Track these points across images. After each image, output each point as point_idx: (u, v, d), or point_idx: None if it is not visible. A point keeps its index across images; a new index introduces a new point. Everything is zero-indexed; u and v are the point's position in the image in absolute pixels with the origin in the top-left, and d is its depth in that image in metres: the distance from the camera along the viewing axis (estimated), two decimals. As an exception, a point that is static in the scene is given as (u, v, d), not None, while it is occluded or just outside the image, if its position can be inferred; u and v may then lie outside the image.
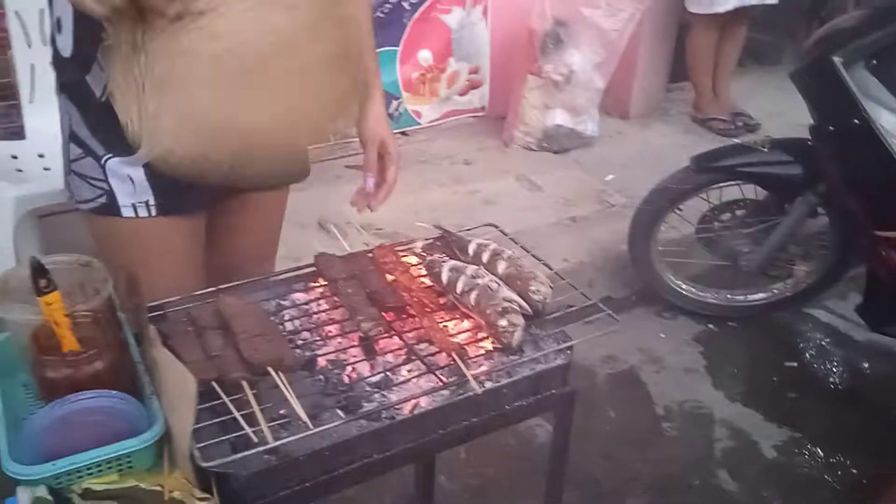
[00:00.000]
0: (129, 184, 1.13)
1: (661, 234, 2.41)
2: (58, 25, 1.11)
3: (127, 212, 1.14)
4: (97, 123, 1.12)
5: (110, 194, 1.14)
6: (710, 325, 2.51)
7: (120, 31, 0.94)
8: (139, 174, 1.12)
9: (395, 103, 3.35)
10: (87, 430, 0.83)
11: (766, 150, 2.07)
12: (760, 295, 2.49)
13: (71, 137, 1.16)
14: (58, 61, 1.14)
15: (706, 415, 2.16)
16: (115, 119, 1.03)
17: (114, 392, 0.86)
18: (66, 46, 1.10)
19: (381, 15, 3.13)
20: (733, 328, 2.51)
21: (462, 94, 3.56)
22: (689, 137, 3.58)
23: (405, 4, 3.16)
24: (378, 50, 3.28)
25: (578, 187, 3.14)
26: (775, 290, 2.48)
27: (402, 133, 3.44)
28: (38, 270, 0.87)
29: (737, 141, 3.41)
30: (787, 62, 4.44)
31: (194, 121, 0.97)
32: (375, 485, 1.82)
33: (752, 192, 2.29)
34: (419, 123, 3.48)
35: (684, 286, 2.49)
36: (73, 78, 1.12)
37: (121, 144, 1.07)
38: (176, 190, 1.12)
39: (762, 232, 2.26)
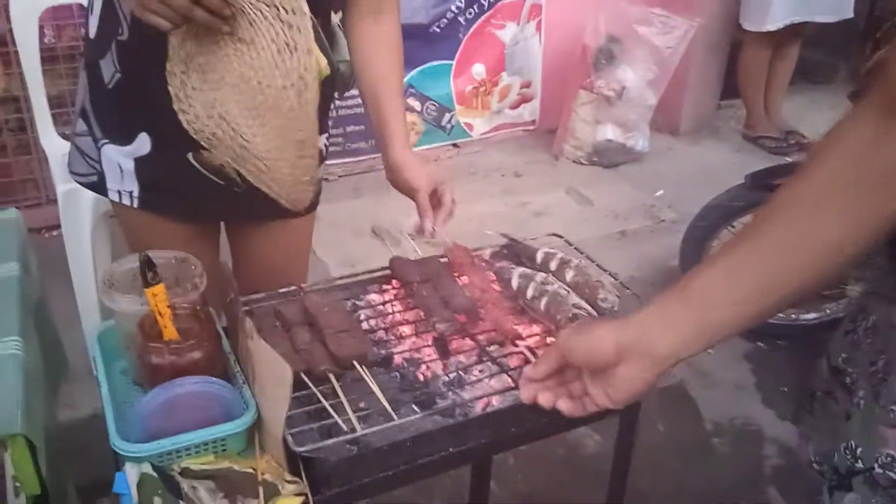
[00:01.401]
0: (118, 171, 1.22)
1: (714, 251, 2.42)
2: (91, 6, 1.20)
3: (113, 195, 1.24)
4: (101, 107, 1.22)
5: (101, 175, 1.24)
6: (760, 343, 2.51)
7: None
8: (128, 165, 1.21)
9: (447, 115, 3.42)
10: (189, 413, 0.90)
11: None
12: (812, 315, 2.47)
13: (80, 112, 1.25)
14: (85, 38, 1.24)
15: (756, 432, 2.16)
16: (116, 108, 1.16)
17: (213, 378, 0.93)
18: (93, 28, 1.20)
19: (437, 30, 3.20)
20: (784, 347, 2.50)
21: (513, 107, 3.61)
22: (740, 155, 3.58)
23: (461, 20, 3.23)
24: (433, 63, 3.37)
25: (628, 202, 3.16)
26: (827, 311, 2.47)
27: (454, 145, 3.51)
28: (147, 264, 0.94)
29: (789, 159, 3.42)
30: (840, 81, 4.41)
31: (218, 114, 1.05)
32: (429, 487, 1.87)
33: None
34: (471, 136, 3.54)
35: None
36: (91, 58, 1.21)
37: (117, 133, 1.18)
38: (160, 190, 1.22)
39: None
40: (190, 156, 1.17)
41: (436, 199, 1.27)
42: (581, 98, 3.29)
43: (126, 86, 1.17)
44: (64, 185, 1.84)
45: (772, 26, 3.28)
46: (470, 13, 3.22)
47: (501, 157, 3.51)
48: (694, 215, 2.43)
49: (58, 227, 1.99)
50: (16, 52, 2.26)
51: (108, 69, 1.17)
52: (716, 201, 2.32)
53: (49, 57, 2.44)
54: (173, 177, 1.21)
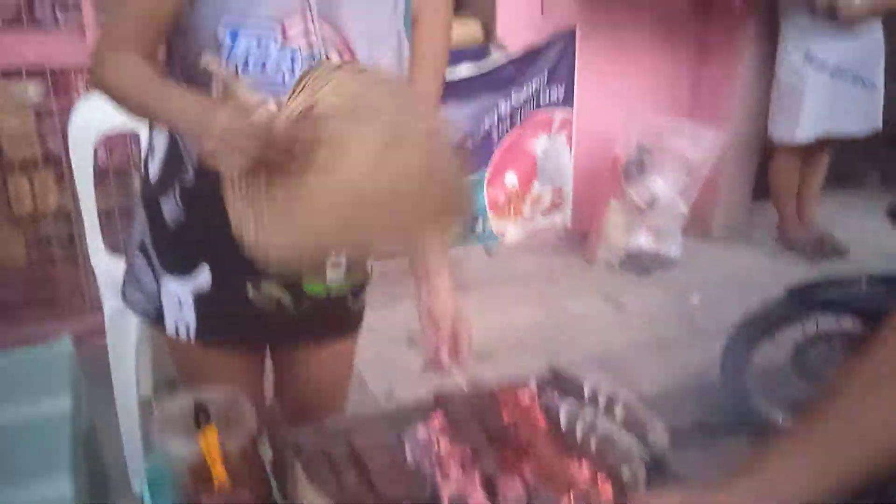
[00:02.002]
0: (177, 304, 1.24)
1: (755, 362, 2.39)
2: (152, 151, 1.25)
3: (170, 330, 1.26)
4: (162, 244, 1.25)
5: (159, 309, 1.26)
6: None
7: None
8: (188, 299, 1.23)
9: (480, 222, 3.48)
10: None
11: (863, 283, 2.07)
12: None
13: (139, 246, 1.28)
14: (144, 179, 1.28)
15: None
16: (178, 244, 1.19)
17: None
18: (154, 170, 1.25)
19: (471, 144, 3.30)
20: None
21: (545, 213, 3.66)
22: (774, 261, 3.57)
23: (493, 134, 3.33)
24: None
25: (663, 309, 3.15)
26: None
27: (487, 252, 3.55)
28: (199, 406, 0.95)
29: (824, 263, 3.40)
30: (871, 185, 4.43)
31: (295, 227, 0.99)
32: None
33: (849, 323, 2.26)
34: (503, 242, 3.58)
35: (780, 415, 2.43)
36: (151, 197, 1.25)
37: (178, 267, 1.21)
38: (217, 323, 1.24)
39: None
40: (249, 286, 1.21)
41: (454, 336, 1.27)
42: (613, 207, 3.33)
43: (189, 224, 1.21)
44: (111, 304, 1.88)
45: (801, 139, 3.33)
46: (502, 127, 3.32)
47: (534, 262, 3.53)
48: (730, 324, 2.41)
49: (99, 333, 2.03)
50: (69, 169, 2.37)
51: (170, 208, 1.22)
52: (755, 314, 2.30)
53: (100, 173, 2.55)
54: (231, 308, 1.24)
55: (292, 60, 1.14)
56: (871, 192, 4.45)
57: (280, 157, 0.96)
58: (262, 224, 1.01)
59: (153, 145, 1.26)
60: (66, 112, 2.58)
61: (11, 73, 2.53)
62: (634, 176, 3.27)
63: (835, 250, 3.52)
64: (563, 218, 3.70)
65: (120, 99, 1.13)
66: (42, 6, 2.55)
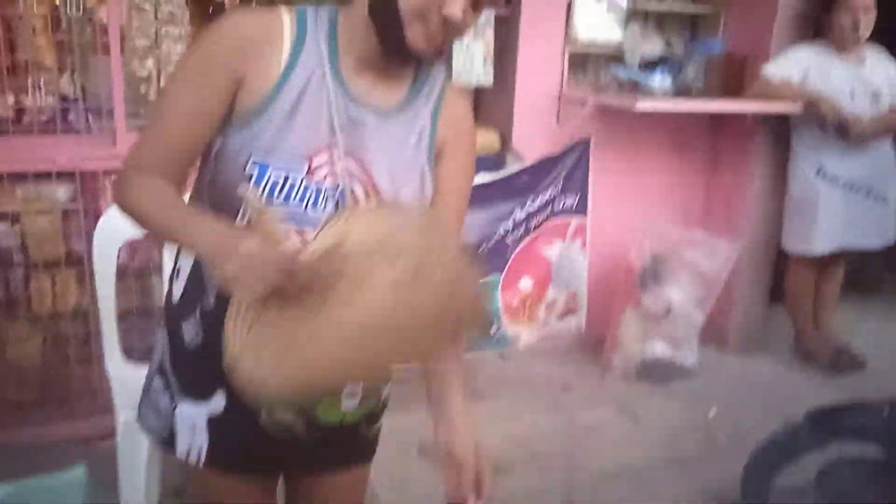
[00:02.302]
0: (190, 429, 1.23)
1: (777, 486, 2.32)
2: (177, 272, 1.27)
3: (181, 454, 1.25)
4: (181, 366, 1.25)
5: (172, 433, 1.25)
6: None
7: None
8: (202, 423, 1.23)
9: (494, 326, 3.47)
10: None
11: (886, 411, 2.03)
12: None
13: (158, 369, 1.29)
14: (168, 300, 1.29)
15: None
16: (196, 366, 1.19)
17: None
18: (177, 292, 1.26)
19: (486, 249, 3.33)
20: None
21: (560, 318, 3.65)
22: (792, 373, 3.51)
23: (508, 241, 3.36)
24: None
25: (680, 422, 3.08)
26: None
27: (501, 355, 3.53)
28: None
29: (841, 375, 3.35)
30: (887, 291, 4.41)
31: (304, 359, 0.99)
32: None
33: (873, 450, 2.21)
34: (517, 346, 3.55)
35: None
36: (173, 320, 1.26)
37: (195, 390, 1.21)
38: (229, 448, 1.23)
39: (885, 493, 2.15)
40: (262, 413, 1.20)
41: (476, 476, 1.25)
42: (628, 314, 3.33)
43: (208, 347, 1.22)
44: (124, 414, 1.87)
45: (817, 252, 3.35)
46: (517, 233, 3.35)
47: (549, 368, 3.50)
48: (749, 439, 2.36)
49: (110, 435, 2.02)
50: (91, 270, 2.40)
51: (190, 332, 1.23)
52: (776, 437, 2.25)
53: (120, 272, 2.58)
54: (243, 434, 1.23)
55: (317, 194, 1.17)
56: (887, 298, 4.44)
57: (299, 289, 0.98)
58: (264, 355, 1.01)
59: (179, 266, 1.28)
60: (92, 213, 2.66)
61: (42, 175, 2.61)
62: (649, 285, 3.27)
63: (853, 364, 3.46)
64: (577, 322, 3.68)
65: (143, 220, 1.15)
66: (76, 113, 2.65)
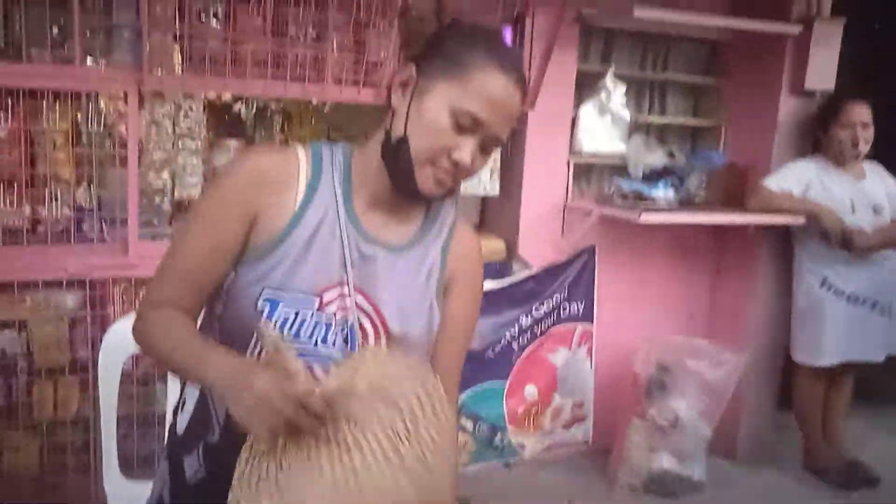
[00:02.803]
0: None
1: None
2: (182, 404, 1.26)
3: None
4: (180, 500, 1.24)
5: None
6: None
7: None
8: None
9: (499, 435, 3.41)
10: None
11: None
12: None
13: (158, 501, 1.27)
14: (171, 433, 1.29)
15: None
16: (194, 500, 1.17)
17: None
18: (181, 424, 1.26)
19: (491, 355, 3.31)
20: None
21: (566, 427, 3.59)
22: (802, 487, 3.42)
23: (514, 346, 3.35)
24: (485, 384, 3.44)
25: (690, 540, 2.99)
26: None
27: (506, 465, 3.45)
28: None
29: (855, 494, 3.26)
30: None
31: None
32: None
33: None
34: (522, 456, 3.48)
35: None
36: (175, 453, 1.25)
37: None
38: None
39: None
40: None
41: None
42: (634, 425, 3.27)
43: (210, 483, 1.20)
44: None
45: (824, 364, 3.32)
46: (523, 339, 3.35)
47: (554, 479, 3.42)
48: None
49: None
50: (94, 379, 2.39)
51: (193, 466, 1.22)
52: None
53: (123, 378, 2.57)
54: None
55: (326, 329, 1.19)
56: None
57: (307, 427, 0.99)
58: (271, 492, 1.02)
59: (184, 398, 1.28)
60: (99, 320, 2.67)
61: (52, 283, 2.63)
62: (655, 396, 3.23)
63: (865, 480, 3.37)
64: (585, 432, 3.62)
65: (160, 355, 1.17)
66: (91, 222, 2.70)
